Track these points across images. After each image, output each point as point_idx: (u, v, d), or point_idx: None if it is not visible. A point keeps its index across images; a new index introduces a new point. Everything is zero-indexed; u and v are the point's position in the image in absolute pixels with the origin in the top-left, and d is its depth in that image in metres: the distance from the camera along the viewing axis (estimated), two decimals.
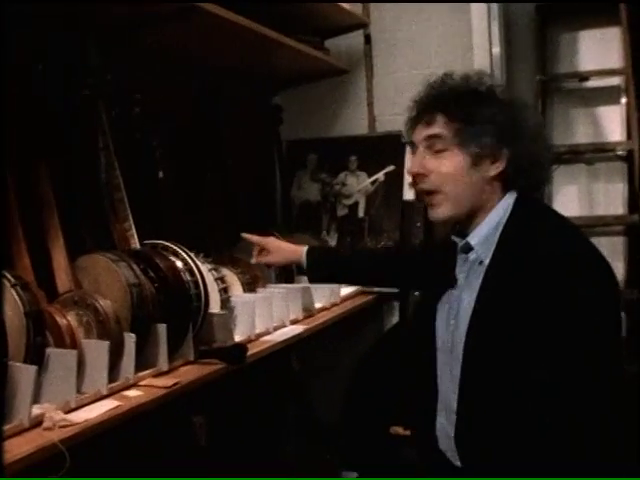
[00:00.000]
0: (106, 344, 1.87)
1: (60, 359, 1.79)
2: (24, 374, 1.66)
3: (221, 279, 2.43)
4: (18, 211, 1.97)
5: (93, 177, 2.28)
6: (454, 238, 1.77)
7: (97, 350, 1.87)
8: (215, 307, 2.38)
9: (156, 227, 2.48)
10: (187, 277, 2.22)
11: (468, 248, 1.70)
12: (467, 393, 1.61)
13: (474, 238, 1.68)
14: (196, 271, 2.25)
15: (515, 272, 1.57)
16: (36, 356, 1.75)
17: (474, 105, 1.63)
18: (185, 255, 2.27)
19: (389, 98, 3.58)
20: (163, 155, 2.65)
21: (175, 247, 2.29)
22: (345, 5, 3.27)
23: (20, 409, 1.65)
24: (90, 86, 2.30)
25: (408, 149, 2.32)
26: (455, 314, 1.70)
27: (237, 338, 2.44)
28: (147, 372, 2.04)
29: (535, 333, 1.50)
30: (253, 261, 2.50)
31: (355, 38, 3.64)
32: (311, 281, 2.50)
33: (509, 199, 1.68)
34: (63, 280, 2.02)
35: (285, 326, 2.73)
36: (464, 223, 1.72)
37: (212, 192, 2.95)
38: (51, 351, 1.80)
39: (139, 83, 2.60)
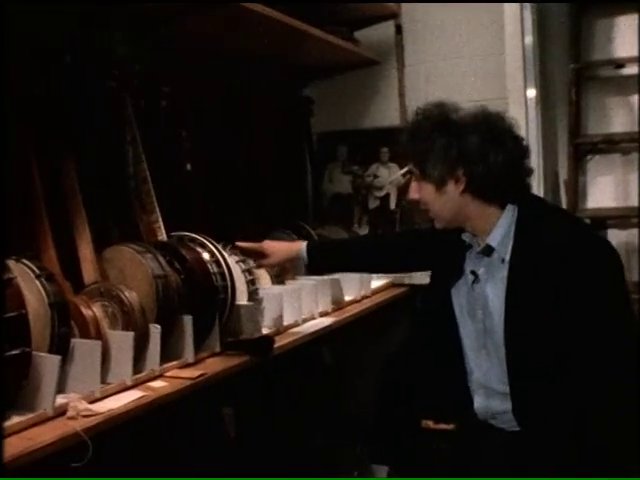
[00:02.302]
0: (131, 335, 1.87)
1: (85, 349, 1.80)
2: (48, 364, 1.67)
3: (249, 271, 2.42)
4: (44, 203, 1.98)
5: (120, 169, 2.28)
6: (464, 237, 1.96)
7: (122, 341, 1.88)
8: (242, 299, 2.36)
9: (184, 219, 2.48)
10: (214, 269, 2.22)
11: (489, 250, 1.89)
12: (515, 371, 1.83)
13: (494, 240, 1.87)
14: (223, 263, 2.24)
15: (535, 263, 1.79)
16: (61, 346, 1.76)
17: (423, 143, 1.86)
18: (212, 247, 2.27)
19: (420, 88, 3.54)
20: (191, 147, 2.65)
21: (202, 239, 2.29)
22: None
23: (44, 398, 1.66)
24: (117, 78, 2.31)
25: None
26: (482, 305, 1.90)
27: (265, 330, 2.44)
28: (173, 363, 2.04)
29: (561, 312, 1.75)
30: (251, 250, 2.46)
31: (386, 28, 3.61)
32: (313, 273, 2.63)
33: (511, 207, 1.89)
34: (89, 271, 2.02)
35: (314, 318, 2.72)
36: (472, 229, 1.94)
37: (241, 184, 2.95)
38: (76, 341, 1.81)
39: (167, 75, 2.60)
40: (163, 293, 2.00)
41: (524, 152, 1.90)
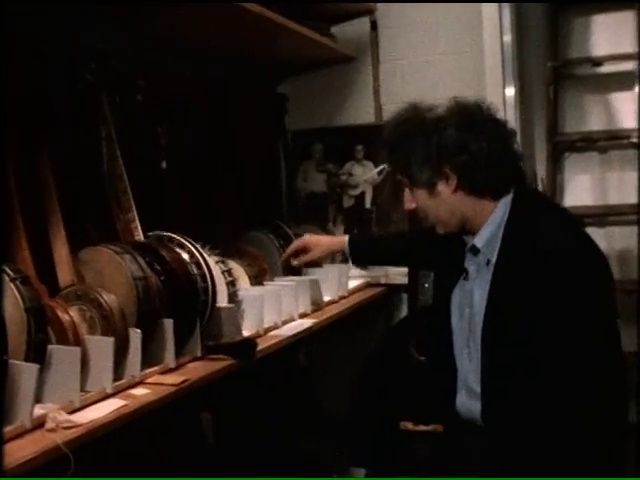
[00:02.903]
0: (111, 340, 1.79)
1: (63, 356, 1.71)
2: (25, 373, 1.58)
3: (228, 272, 2.35)
4: (18, 202, 1.89)
5: (95, 167, 2.18)
6: (465, 237, 1.93)
7: (101, 347, 1.79)
8: (222, 301, 2.29)
9: (160, 218, 2.39)
10: (194, 270, 2.14)
11: (475, 250, 1.86)
12: (488, 374, 1.79)
13: (479, 241, 1.84)
14: (203, 264, 2.17)
15: (520, 268, 1.75)
16: (38, 354, 1.67)
17: (401, 150, 1.85)
18: (191, 247, 2.19)
19: (396, 85, 3.49)
20: (167, 144, 2.56)
21: (181, 239, 2.21)
22: None
23: (21, 410, 1.57)
24: (93, 72, 2.21)
25: None
26: (469, 304, 1.87)
27: (245, 333, 2.36)
28: (154, 369, 1.96)
29: (541, 321, 1.69)
30: (295, 264, 2.55)
31: (361, 25, 3.55)
32: (357, 265, 2.81)
33: (505, 201, 1.83)
34: (65, 273, 1.93)
35: (294, 320, 2.64)
36: (470, 228, 1.89)
37: (217, 182, 2.86)
38: (53, 348, 1.72)
39: (142, 69, 2.50)
40: (143, 296, 1.92)
41: (508, 135, 1.85)
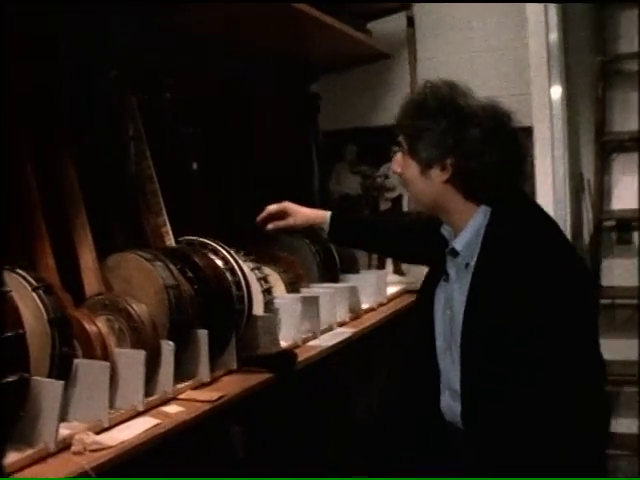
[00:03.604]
0: (142, 354, 1.65)
1: (90, 372, 1.58)
2: (49, 390, 1.45)
3: (264, 279, 2.22)
4: (40, 205, 1.76)
5: (123, 167, 2.06)
6: (443, 231, 1.90)
7: (132, 361, 1.66)
8: (258, 310, 2.16)
9: (190, 223, 2.26)
10: (229, 277, 2.01)
11: (454, 252, 1.83)
12: (468, 377, 1.76)
13: (458, 244, 1.81)
14: (238, 270, 2.04)
15: (499, 272, 1.72)
16: (63, 369, 1.54)
17: (423, 121, 1.76)
18: (225, 253, 2.06)
19: None
20: (197, 145, 2.43)
21: (214, 244, 2.08)
22: None
23: (45, 431, 1.44)
24: (118, 67, 2.08)
25: None
26: (450, 306, 1.84)
27: (282, 343, 2.23)
28: (187, 384, 1.83)
29: (519, 324, 1.67)
30: (270, 227, 2.27)
31: (397, 21, 3.41)
32: (334, 243, 2.58)
33: (482, 209, 1.80)
34: (91, 281, 1.80)
35: (332, 329, 2.51)
36: (447, 222, 1.87)
37: (248, 185, 2.72)
38: (80, 362, 1.59)
39: (170, 67, 2.37)
40: (176, 305, 1.79)
41: (524, 157, 1.87)
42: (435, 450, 1.94)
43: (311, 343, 2.34)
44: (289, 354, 2.05)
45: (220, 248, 2.06)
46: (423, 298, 1.98)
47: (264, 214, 2.28)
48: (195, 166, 2.42)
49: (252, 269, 2.19)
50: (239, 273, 2.03)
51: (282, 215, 2.27)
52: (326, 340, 2.38)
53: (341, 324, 2.59)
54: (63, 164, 1.85)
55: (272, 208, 2.27)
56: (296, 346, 2.26)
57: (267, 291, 2.22)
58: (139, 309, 1.73)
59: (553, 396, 1.67)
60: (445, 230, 1.89)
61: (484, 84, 3.17)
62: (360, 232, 2.35)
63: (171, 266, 1.84)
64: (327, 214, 2.26)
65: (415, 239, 2.22)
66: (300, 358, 2.12)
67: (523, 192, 1.88)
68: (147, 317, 1.73)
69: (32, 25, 1.87)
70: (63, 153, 1.86)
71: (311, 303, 2.40)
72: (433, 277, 1.95)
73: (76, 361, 1.59)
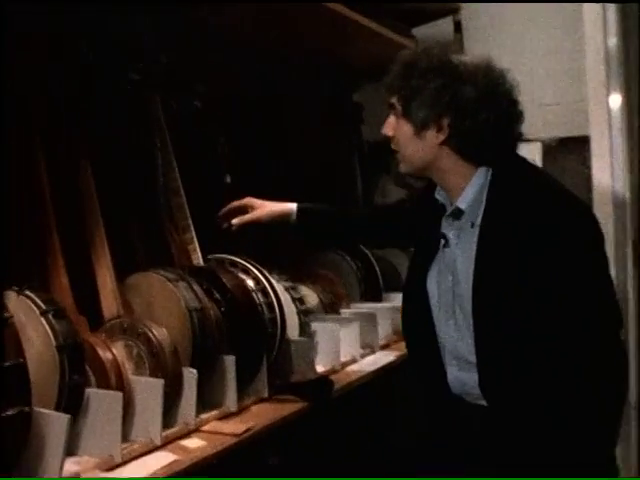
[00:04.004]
0: (160, 382, 1.52)
1: (103, 402, 1.45)
2: (54, 424, 1.33)
3: (300, 300, 2.09)
4: (55, 219, 1.63)
5: (147, 179, 1.93)
6: (438, 196, 1.81)
7: (149, 389, 1.53)
8: (293, 333, 2.04)
9: (222, 239, 2.10)
10: (260, 298, 1.89)
11: (459, 212, 1.74)
12: (484, 343, 1.68)
13: (463, 202, 1.73)
14: (270, 291, 1.90)
15: (508, 229, 1.65)
16: (73, 399, 1.42)
17: (416, 80, 1.70)
18: (257, 272, 1.93)
19: None
20: (231, 156, 2.29)
21: (245, 262, 1.95)
22: None
23: (49, 468, 1.32)
24: (141, 71, 1.96)
25: None
26: (451, 271, 1.75)
27: (319, 368, 2.10)
28: (211, 414, 1.70)
29: (535, 280, 1.61)
30: (235, 222, 2.05)
31: (443, 26, 3.25)
32: (303, 237, 2.32)
33: (482, 168, 1.73)
34: (109, 303, 1.67)
35: (374, 352, 2.36)
36: (443, 185, 1.78)
37: (285, 199, 2.56)
38: (91, 392, 1.46)
39: (201, 74, 2.24)
40: (200, 329, 1.66)
41: (517, 117, 1.73)
42: (446, 427, 1.84)
43: (351, 368, 2.20)
44: (325, 381, 1.90)
45: (251, 267, 1.93)
46: (413, 274, 1.89)
47: (226, 209, 2.10)
48: (228, 178, 2.28)
49: (287, 289, 2.06)
50: (271, 294, 1.90)
51: (246, 211, 2.10)
52: (368, 364, 2.25)
53: (384, 346, 2.45)
54: (80, 174, 1.73)
55: (235, 203, 2.11)
56: (334, 371, 2.13)
57: (303, 313, 2.09)
58: (159, 334, 1.59)
59: (576, 348, 1.61)
60: (440, 195, 1.80)
61: (536, 91, 3.06)
62: (331, 221, 2.20)
63: (196, 287, 1.70)
64: (293, 205, 2.11)
65: (393, 218, 2.15)
66: (339, 384, 1.98)
67: (520, 156, 1.79)
68: (168, 342, 1.60)
69: (50, 25, 1.76)
70: (81, 162, 1.73)
71: (351, 325, 2.26)
72: (423, 251, 1.85)
73: (88, 390, 1.46)
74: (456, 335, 1.74)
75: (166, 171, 1.96)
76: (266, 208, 2.07)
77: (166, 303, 1.66)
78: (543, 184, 1.71)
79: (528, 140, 3.08)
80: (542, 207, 1.63)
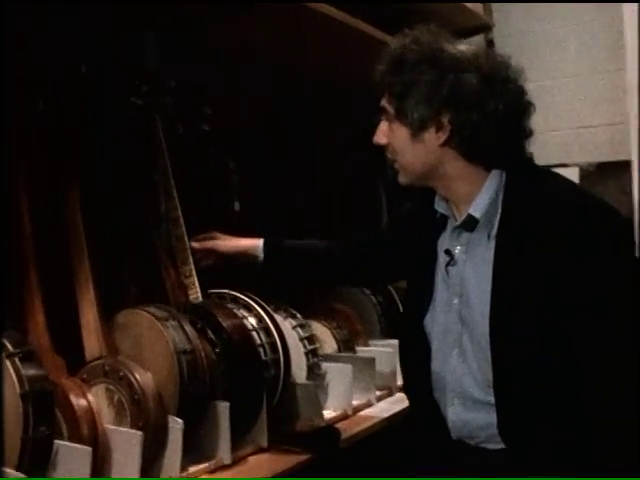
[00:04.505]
0: (138, 435, 1.38)
1: (72, 456, 1.31)
2: None
3: (309, 339, 1.94)
4: (34, 250, 1.50)
5: (145, 209, 1.79)
6: (438, 207, 1.60)
7: (126, 442, 1.39)
8: (300, 375, 1.88)
9: (229, 272, 1.97)
10: (262, 338, 1.74)
11: (472, 222, 1.53)
12: (504, 373, 1.46)
13: (477, 210, 1.52)
14: (273, 330, 1.77)
15: (530, 239, 1.45)
16: (38, 454, 1.29)
17: (407, 75, 1.50)
18: (260, 309, 1.79)
19: None
20: (240, 182, 2.16)
21: (247, 298, 1.81)
22: (468, 5, 2.73)
23: None
24: (144, 94, 1.84)
25: None
26: (459, 292, 1.54)
27: (328, 413, 1.94)
28: (201, 467, 1.55)
29: (566, 299, 1.41)
30: (195, 246, 1.90)
31: (476, 44, 3.08)
32: (272, 276, 2.03)
33: (495, 172, 1.54)
34: (92, 343, 1.53)
35: (392, 395, 2.19)
36: (447, 193, 1.57)
37: (301, 229, 2.40)
38: (61, 445, 1.32)
39: (210, 93, 2.11)
40: (189, 374, 1.51)
41: (526, 107, 1.53)
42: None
43: (365, 412, 2.03)
44: (331, 430, 1.74)
45: (253, 303, 1.79)
46: (410, 303, 1.70)
47: (199, 248, 1.94)
48: (237, 206, 2.14)
49: (294, 327, 1.90)
50: (274, 333, 1.75)
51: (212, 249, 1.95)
52: (383, 409, 2.06)
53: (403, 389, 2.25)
54: (66, 202, 1.60)
55: (200, 237, 1.95)
56: (345, 417, 1.96)
57: (312, 353, 1.93)
58: (142, 379, 1.45)
59: (620, 376, 1.41)
60: (441, 206, 1.59)
61: (573, 113, 2.92)
62: (303, 256, 2.00)
63: (187, 326, 1.56)
64: (260, 240, 1.95)
65: (376, 250, 1.93)
66: (348, 433, 1.81)
67: (531, 157, 1.62)
68: (151, 388, 1.46)
69: (46, 39, 1.65)
70: (68, 189, 1.61)
71: (366, 364, 2.09)
72: (419, 274, 1.65)
73: (57, 443, 1.32)
74: (461, 368, 1.54)
75: (165, 199, 1.83)
76: (231, 242, 1.93)
77: (154, 344, 1.52)
78: (566, 187, 1.52)
79: (564, 165, 2.97)
80: (571, 213, 1.44)
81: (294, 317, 1.94)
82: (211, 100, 2.10)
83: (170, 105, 1.94)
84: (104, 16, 1.70)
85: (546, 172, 1.59)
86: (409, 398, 1.71)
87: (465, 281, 1.54)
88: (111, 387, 1.46)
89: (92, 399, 1.40)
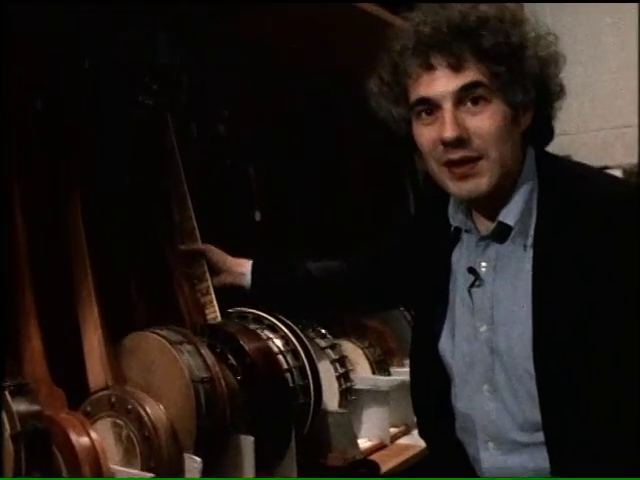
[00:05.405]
0: (149, 477, 1.18)
1: None
2: None
3: (340, 360, 1.77)
4: (29, 268, 1.32)
5: (155, 220, 1.62)
6: (454, 220, 1.35)
7: None
8: (332, 402, 1.71)
9: None
10: (289, 362, 1.57)
11: (503, 231, 1.29)
12: (553, 410, 1.23)
13: (509, 216, 1.28)
14: (302, 353, 1.59)
15: (576, 244, 1.21)
16: None
17: (514, 38, 1.21)
18: (286, 330, 1.61)
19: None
20: (261, 190, 1.98)
21: (272, 318, 1.63)
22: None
23: None
24: (155, 94, 1.67)
25: None
26: (488, 316, 1.31)
27: (364, 443, 1.77)
28: None
29: (625, 319, 1.18)
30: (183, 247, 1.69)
31: None
32: (262, 302, 1.73)
33: (530, 158, 1.31)
34: (96, 371, 1.35)
35: None
36: (487, 203, 1.30)
37: (326, 239, 2.21)
38: None
39: (228, 93, 1.94)
40: (207, 405, 1.32)
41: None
42: None
43: (404, 441, 1.86)
44: (367, 464, 1.56)
45: (279, 323, 1.61)
46: (421, 332, 1.46)
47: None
48: (258, 216, 1.96)
49: (324, 348, 1.72)
50: (303, 356, 1.58)
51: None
52: None
53: None
54: (67, 210, 1.42)
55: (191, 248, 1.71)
56: (383, 446, 1.80)
57: (344, 376, 1.76)
58: (154, 412, 1.27)
59: None
60: (457, 217, 1.35)
61: (616, 112, 2.86)
62: (296, 281, 1.73)
63: (204, 351, 1.37)
64: (247, 265, 1.70)
65: (377, 270, 1.68)
66: (389, 463, 1.67)
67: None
68: (164, 422, 1.28)
69: (45, 31, 1.48)
70: (69, 201, 1.43)
71: (403, 387, 1.89)
72: (433, 299, 1.41)
73: None
74: (494, 406, 1.32)
75: (179, 210, 1.65)
76: (220, 257, 1.70)
77: (166, 372, 1.34)
78: (605, 179, 1.31)
79: (606, 168, 2.80)
80: (625, 211, 1.21)
81: (324, 337, 1.78)
82: (227, 100, 1.93)
83: (183, 105, 1.77)
84: (108, 8, 1.54)
85: (575, 163, 1.39)
86: (425, 438, 1.49)
87: (496, 304, 1.31)
88: (118, 422, 1.28)
89: (95, 436, 1.22)
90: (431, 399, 1.42)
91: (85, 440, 1.20)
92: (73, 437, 1.19)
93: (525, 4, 2.90)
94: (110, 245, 1.51)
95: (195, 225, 1.66)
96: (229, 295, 1.69)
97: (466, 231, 1.36)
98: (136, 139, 1.64)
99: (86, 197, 1.45)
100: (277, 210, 2.06)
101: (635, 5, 2.79)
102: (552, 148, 1.35)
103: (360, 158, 2.55)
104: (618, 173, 2.79)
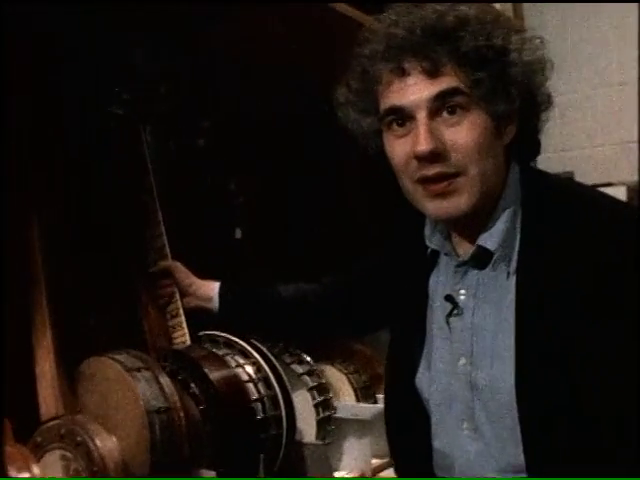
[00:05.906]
0: None
1: None
2: None
3: (319, 387, 1.66)
4: None
5: (121, 235, 1.54)
6: (431, 242, 1.27)
7: None
8: (308, 433, 1.63)
9: None
10: (260, 391, 1.47)
11: (483, 257, 1.20)
12: (537, 449, 1.14)
13: (490, 240, 1.19)
14: (274, 380, 1.49)
15: (564, 271, 1.12)
16: None
17: (496, 40, 1.12)
18: (258, 356, 1.51)
19: (554, 127, 2.76)
20: (244, 206, 1.90)
21: (244, 343, 1.54)
22: (497, 6, 2.49)
23: None
24: (126, 103, 1.59)
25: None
26: (466, 351, 1.22)
27: (343, 473, 1.68)
28: None
29: (616, 351, 1.09)
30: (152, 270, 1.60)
31: None
32: (230, 327, 1.62)
33: (513, 175, 1.22)
34: (48, 399, 1.27)
35: None
36: (468, 224, 1.22)
37: (317, 258, 2.11)
38: None
39: (206, 103, 1.86)
40: (163, 438, 1.23)
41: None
42: None
43: (386, 474, 1.75)
44: None
45: (251, 349, 1.52)
46: (395, 367, 1.36)
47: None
48: (239, 233, 1.88)
49: (300, 375, 1.63)
50: (275, 384, 1.48)
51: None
52: None
53: None
54: (25, 228, 1.34)
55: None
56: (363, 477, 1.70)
57: (322, 404, 1.66)
58: (104, 444, 1.18)
59: None
60: (434, 239, 1.26)
61: (620, 129, 2.79)
62: (266, 305, 1.64)
63: (163, 379, 1.28)
64: (214, 287, 1.61)
65: (349, 294, 1.59)
66: None
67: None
68: (115, 457, 1.19)
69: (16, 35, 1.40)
70: (27, 212, 1.35)
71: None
72: (407, 330, 1.33)
73: None
74: (474, 447, 1.22)
75: (149, 225, 1.57)
76: (187, 279, 1.60)
77: (121, 400, 1.25)
78: (599, 199, 1.20)
79: (609, 184, 2.73)
80: (619, 234, 1.12)
81: (302, 362, 1.68)
82: (208, 109, 1.84)
83: (159, 115, 1.69)
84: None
85: (560, 179, 1.31)
86: (401, 476, 1.39)
87: (477, 336, 1.22)
88: (67, 454, 1.19)
89: (38, 472, 1.13)
90: (407, 436, 1.32)
91: (26, 476, 1.12)
92: (13, 472, 1.10)
93: (526, 19, 2.87)
94: (70, 264, 1.42)
95: (165, 242, 1.57)
96: (202, 317, 1.60)
97: (445, 254, 1.26)
98: (104, 150, 1.56)
99: (47, 211, 1.37)
100: (260, 228, 1.98)
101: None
102: (553, 164, 1.27)
103: (357, 174, 2.47)
104: (622, 190, 2.71)
